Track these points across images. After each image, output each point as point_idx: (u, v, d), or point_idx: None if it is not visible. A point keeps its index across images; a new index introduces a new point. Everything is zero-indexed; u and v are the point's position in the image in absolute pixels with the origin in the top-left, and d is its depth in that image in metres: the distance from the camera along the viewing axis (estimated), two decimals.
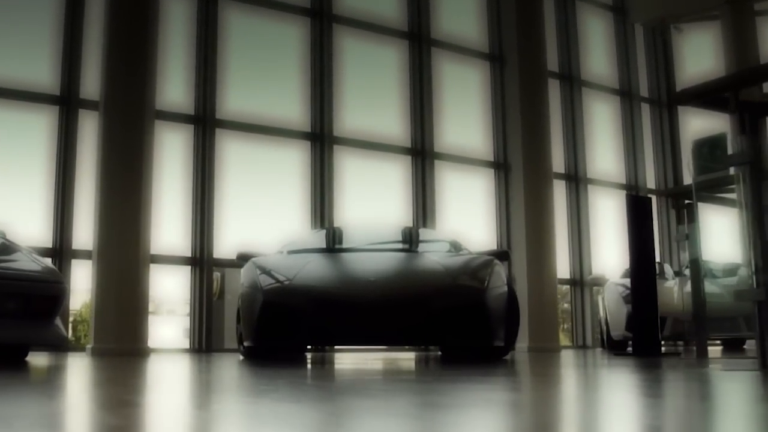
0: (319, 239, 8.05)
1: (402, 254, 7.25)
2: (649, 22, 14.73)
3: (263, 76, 11.83)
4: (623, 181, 14.51)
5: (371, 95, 12.61)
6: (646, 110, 15.11)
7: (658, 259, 14.12)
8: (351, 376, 3.92)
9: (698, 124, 14.86)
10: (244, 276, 6.78)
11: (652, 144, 15.04)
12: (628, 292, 9.71)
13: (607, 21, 15.00)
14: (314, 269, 6.57)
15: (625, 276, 11.03)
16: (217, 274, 10.95)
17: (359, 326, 6.05)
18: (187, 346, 10.30)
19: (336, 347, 9.86)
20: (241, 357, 7.15)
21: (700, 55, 15.47)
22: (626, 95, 14.77)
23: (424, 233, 8.97)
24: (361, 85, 12.23)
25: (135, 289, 8.68)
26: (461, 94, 13.20)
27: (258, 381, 3.22)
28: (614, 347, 9.98)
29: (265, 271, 6.55)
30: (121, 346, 8.33)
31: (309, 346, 7.51)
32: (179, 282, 10.45)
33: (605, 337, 10.14)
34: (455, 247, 7.65)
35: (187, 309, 10.51)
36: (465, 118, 13.15)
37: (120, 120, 9.18)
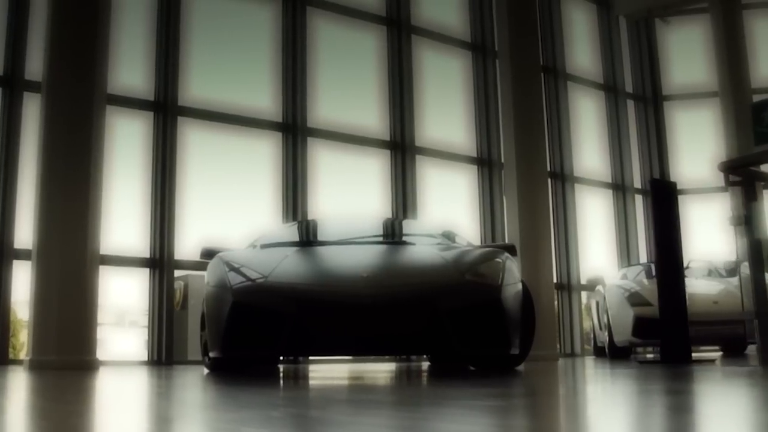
0: (295, 233, 6.81)
1: (397, 246, 6.04)
2: (635, 14, 13.76)
3: (230, 60, 10.58)
4: (608, 179, 13.48)
5: (347, 85, 11.43)
6: (630, 107, 14.11)
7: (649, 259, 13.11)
8: (366, 399, 2.73)
9: (685, 120, 13.94)
10: (209, 274, 5.53)
11: (637, 141, 14.04)
12: (630, 293, 8.66)
13: (590, 14, 13.98)
14: (294, 264, 5.36)
15: (623, 278, 9.98)
16: (180, 283, 9.68)
17: (351, 331, 4.84)
18: (146, 357, 9.00)
19: (311, 357, 8.61)
20: (207, 370, 5.91)
21: (687, 49, 14.54)
22: (611, 90, 13.77)
23: (409, 225, 7.78)
24: (336, 74, 11.05)
25: (81, 293, 7.35)
26: (444, 85, 12.08)
27: (240, 415, 2.01)
28: (617, 354, 8.89)
29: (235, 268, 5.31)
30: (64, 358, 7.00)
31: (287, 357, 6.23)
32: (140, 289, 9.12)
33: (608, 344, 9.02)
34: (450, 240, 6.47)
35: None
36: (448, 112, 12.03)
37: (65, 103, 7.84)
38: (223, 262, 5.41)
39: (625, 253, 13.22)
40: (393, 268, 5.33)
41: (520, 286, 5.41)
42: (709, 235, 13.38)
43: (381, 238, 6.60)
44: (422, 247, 5.89)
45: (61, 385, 3.86)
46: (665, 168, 13.89)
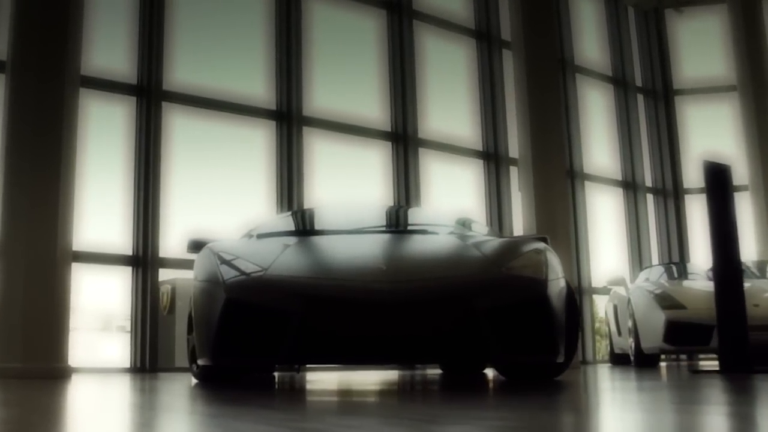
0: (296, 222, 5.90)
1: (415, 235, 5.14)
2: (644, 4, 12.96)
3: (220, 43, 9.68)
4: (618, 177, 12.64)
5: (346, 72, 10.56)
6: (640, 101, 13.27)
7: (665, 259, 12.30)
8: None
9: (698, 116, 13.16)
10: (198, 267, 4.64)
11: (647, 138, 13.19)
12: (660, 295, 7.79)
13: (597, 3, 13.15)
14: (298, 254, 4.47)
15: (645, 280, 9.14)
16: (167, 286, 8.77)
17: (368, 334, 3.95)
18: (129, 364, 8.07)
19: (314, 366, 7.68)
20: (195, 380, 5.02)
21: (700, 41, 13.73)
22: (620, 84, 12.94)
23: (418, 213, 6.86)
24: (334, 60, 10.20)
25: (50, 293, 6.41)
26: (449, 75, 11.24)
27: None
28: (644, 363, 8.02)
29: (228, 260, 4.42)
30: (31, 365, 6.07)
31: (293, 366, 5.28)
32: (126, 291, 8.18)
33: (633, 351, 8.14)
34: (467, 228, 5.56)
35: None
36: (453, 103, 11.19)
37: (32, 85, 6.94)
38: (214, 254, 4.52)
39: (637, 254, 12.38)
40: (416, 259, 4.45)
41: (563, 282, 4.55)
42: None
43: (393, 227, 5.70)
44: (445, 237, 5.01)
45: (11, 403, 2.96)
46: (677, 165, 13.07)
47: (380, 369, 8.48)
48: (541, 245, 4.69)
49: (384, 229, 5.48)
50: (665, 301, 7.65)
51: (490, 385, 4.37)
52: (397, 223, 5.91)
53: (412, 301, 3.95)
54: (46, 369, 6.10)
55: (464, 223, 5.71)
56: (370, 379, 5.81)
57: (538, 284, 4.22)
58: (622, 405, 2.56)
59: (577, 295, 11.01)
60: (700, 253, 12.44)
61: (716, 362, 9.92)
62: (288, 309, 3.97)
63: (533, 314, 4.14)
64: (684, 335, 7.43)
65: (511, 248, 4.59)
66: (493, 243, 4.74)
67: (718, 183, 5.32)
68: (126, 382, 5.18)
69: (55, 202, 6.67)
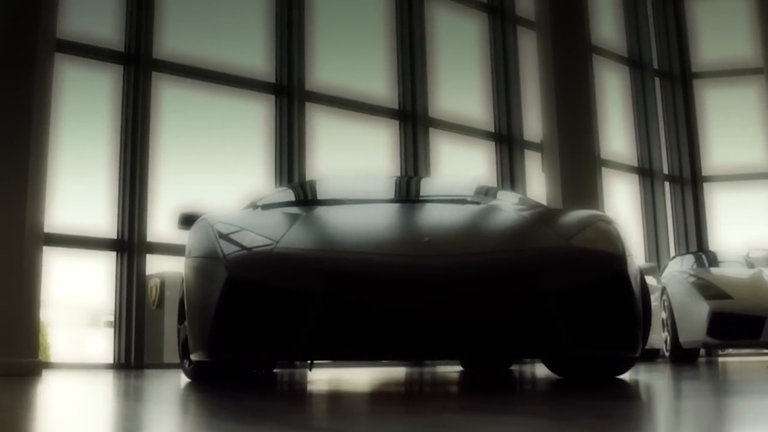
0: (306, 192, 4.97)
1: (453, 205, 4.23)
2: None
3: (216, 9, 8.76)
4: (634, 163, 11.79)
5: (351, 44, 9.68)
6: (656, 84, 12.42)
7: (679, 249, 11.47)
8: None
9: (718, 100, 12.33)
10: (191, 242, 3.74)
11: (664, 123, 12.35)
12: (702, 284, 6.92)
13: None
14: (315, 224, 3.58)
15: (680, 265, 8.30)
16: (156, 280, 7.91)
17: (413, 320, 3.07)
18: (112, 359, 7.17)
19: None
20: (186, 379, 4.13)
21: (721, 20, 12.87)
22: (636, 66, 12.10)
23: (435, 182, 5.87)
24: (338, 31, 9.32)
25: (16, 279, 5.50)
26: (461, 51, 10.38)
27: None
28: (682, 358, 7.17)
29: (229, 233, 3.53)
30: None
31: (311, 361, 4.30)
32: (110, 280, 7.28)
33: (670, 346, 7.26)
34: (491, 197, 4.65)
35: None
36: (465, 81, 10.33)
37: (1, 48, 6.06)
38: (211, 225, 3.63)
39: (654, 244, 11.55)
40: (462, 229, 3.55)
41: (636, 261, 3.68)
42: (743, 226, 11.86)
43: (417, 196, 4.79)
44: (487, 205, 4.13)
45: None
46: (695, 152, 12.23)
47: (392, 366, 7.60)
48: (606, 215, 3.84)
49: (411, 198, 4.59)
50: (708, 290, 6.79)
51: (533, 387, 3.51)
52: (412, 192, 4.99)
53: (466, 279, 3.07)
54: (10, 365, 5.19)
55: (487, 192, 4.82)
56: (386, 377, 4.94)
57: (617, 261, 3.35)
58: (747, 415, 1.70)
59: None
60: (719, 243, 11.64)
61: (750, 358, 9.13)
62: (306, 290, 3.09)
63: (612, 298, 3.27)
64: (731, 328, 6.58)
65: (572, 217, 3.71)
66: (546, 211, 3.87)
67: None
68: (105, 380, 4.29)
69: (24, 176, 5.78)
